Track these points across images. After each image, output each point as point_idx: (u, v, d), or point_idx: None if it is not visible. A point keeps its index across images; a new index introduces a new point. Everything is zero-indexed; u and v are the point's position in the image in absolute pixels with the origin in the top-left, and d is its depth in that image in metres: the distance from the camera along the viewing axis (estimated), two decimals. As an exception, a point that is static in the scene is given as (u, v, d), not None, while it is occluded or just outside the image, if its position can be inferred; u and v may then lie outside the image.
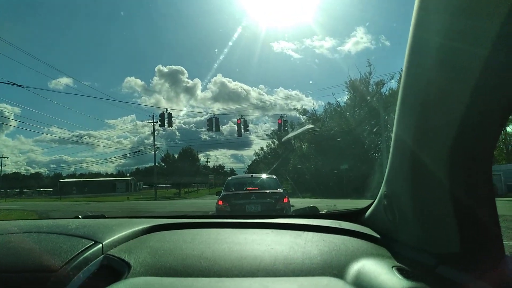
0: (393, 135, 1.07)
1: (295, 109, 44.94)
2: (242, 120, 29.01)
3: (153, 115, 41.93)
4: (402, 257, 1.11)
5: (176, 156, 58.27)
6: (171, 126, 31.58)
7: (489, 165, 0.87)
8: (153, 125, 41.82)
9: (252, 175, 10.10)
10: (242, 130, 29.08)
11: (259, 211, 7.73)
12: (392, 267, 1.01)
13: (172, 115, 30.64)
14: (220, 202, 8.06)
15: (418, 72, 0.87)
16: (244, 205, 7.88)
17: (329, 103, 43.31)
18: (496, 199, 0.91)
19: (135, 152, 50.36)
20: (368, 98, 35.63)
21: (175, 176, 51.85)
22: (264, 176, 9.95)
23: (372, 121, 34.87)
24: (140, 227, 1.47)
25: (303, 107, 44.09)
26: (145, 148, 48.13)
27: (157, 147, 44.53)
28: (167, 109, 30.52)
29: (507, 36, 0.63)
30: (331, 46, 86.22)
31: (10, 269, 1.09)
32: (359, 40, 78.95)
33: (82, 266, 1.09)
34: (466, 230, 0.90)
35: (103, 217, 1.89)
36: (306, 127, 36.97)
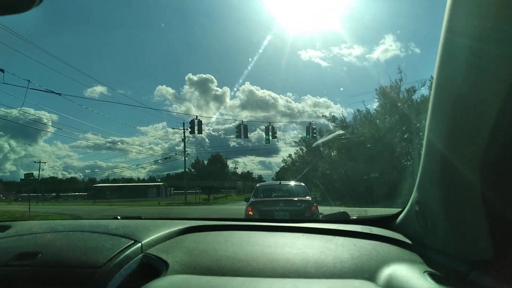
0: (424, 140, 1.06)
1: (324, 116, 44.74)
2: (270, 127, 29.26)
3: (183, 122, 43.23)
4: (434, 263, 1.10)
5: (205, 162, 58.95)
6: (201, 133, 32.60)
7: None
8: (184, 132, 42.92)
9: (280, 182, 10.11)
10: (270, 137, 29.30)
11: (287, 218, 7.47)
12: (424, 272, 1.01)
13: (202, 122, 31.32)
14: (249, 208, 8.08)
15: (449, 77, 0.87)
16: (273, 212, 7.81)
17: (358, 110, 42.54)
18: None
19: (166, 158, 51.90)
20: (399, 104, 34.80)
21: (204, 182, 52.53)
22: (292, 183, 9.95)
23: (403, 128, 33.98)
24: (176, 228, 1.52)
25: (332, 114, 43.88)
26: (175, 154, 49.10)
27: (187, 154, 45.33)
28: (197, 116, 31.33)
29: None
30: (359, 54, 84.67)
31: (58, 265, 1.16)
32: (388, 47, 77.35)
33: (123, 264, 1.16)
34: (500, 236, 0.88)
35: (140, 218, 1.94)
36: (337, 133, 36.45)
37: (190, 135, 39.32)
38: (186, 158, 45.25)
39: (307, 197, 8.60)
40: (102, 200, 55.72)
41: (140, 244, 1.29)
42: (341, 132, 36.34)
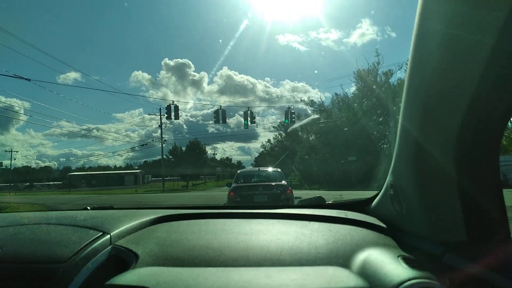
0: (398, 124, 1.06)
1: (302, 100, 44.43)
2: (248, 112, 28.87)
3: (160, 108, 42.15)
4: (408, 246, 1.11)
5: (183, 149, 58.38)
6: (178, 119, 31.68)
7: (496, 153, 0.87)
8: (160, 117, 42.11)
9: (259, 169, 11.35)
10: (249, 122, 29.02)
11: (265, 201, 8.67)
12: (398, 257, 1.01)
13: (179, 107, 30.64)
14: (232, 193, 8.99)
15: (422, 61, 0.87)
16: (252, 195, 8.79)
17: (336, 94, 42.78)
18: (507, 190, 0.83)
19: (143, 145, 50.89)
20: (375, 87, 35.09)
21: (182, 169, 52.24)
22: (270, 169, 10.88)
23: (378, 111, 34.36)
24: (147, 218, 1.47)
25: (310, 98, 43.68)
26: (152, 141, 48.41)
27: (165, 140, 44.71)
28: (173, 102, 30.49)
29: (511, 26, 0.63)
30: (337, 38, 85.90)
31: (20, 260, 1.10)
32: (365, 32, 78.43)
33: (91, 257, 1.11)
34: (472, 219, 0.91)
35: (111, 208, 1.88)
36: (312, 117, 36.68)
37: (167, 121, 38.63)
38: (164, 145, 44.58)
39: (283, 181, 9.47)
40: (78, 189, 54.21)
41: (109, 235, 1.25)
42: (316, 116, 36.58)
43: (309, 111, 42.95)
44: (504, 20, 0.64)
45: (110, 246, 1.19)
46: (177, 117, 30.70)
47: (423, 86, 0.89)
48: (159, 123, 42.78)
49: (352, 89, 42.01)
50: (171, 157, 56.23)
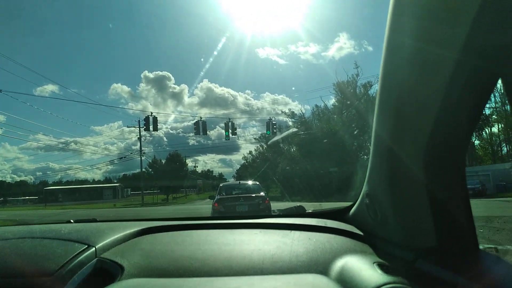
0: (372, 136, 1.09)
1: (283, 112, 44.44)
2: (229, 123, 28.64)
3: (139, 120, 40.85)
4: (384, 253, 1.16)
5: (163, 161, 57.48)
6: (157, 130, 31.16)
7: (462, 163, 0.91)
8: (139, 130, 40.89)
9: (239, 182, 12.93)
10: (230, 133, 28.79)
11: (246, 210, 9.55)
12: (374, 263, 1.04)
13: (158, 119, 30.08)
14: (216, 204, 9.86)
15: (392, 75, 0.91)
16: (235, 206, 9.68)
17: (316, 106, 42.90)
18: (486, 199, 0.87)
19: (121, 158, 49.44)
20: (356, 100, 35.63)
21: (163, 182, 51.05)
22: (249, 182, 12.17)
23: (358, 123, 34.79)
24: (131, 230, 1.47)
25: (291, 110, 43.65)
26: (131, 153, 47.37)
27: (144, 153, 43.83)
28: (152, 113, 29.93)
29: (473, 41, 0.67)
30: (315, 52, 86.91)
31: (5, 275, 1.10)
32: (342, 45, 79.74)
33: (77, 270, 1.11)
34: (442, 226, 0.95)
35: (95, 221, 1.86)
36: (292, 130, 36.98)
37: (147, 134, 38.07)
38: (143, 158, 43.80)
39: (261, 193, 10.51)
40: (55, 203, 52.43)
41: (94, 248, 1.25)
42: (295, 130, 36.80)
43: (290, 123, 43.30)
44: (464, 35, 0.67)
45: (96, 259, 1.20)
46: (155, 128, 30.12)
47: (393, 97, 0.92)
48: (138, 136, 41.83)
49: (331, 101, 42.39)
50: (150, 170, 55.25)
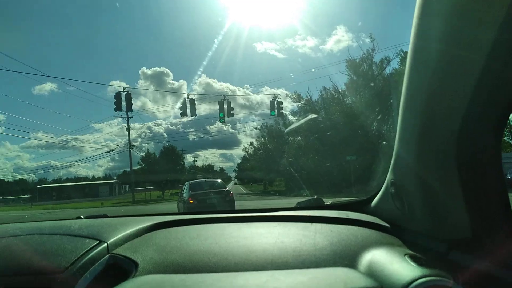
0: (398, 121, 1.04)
1: (288, 96, 39.54)
2: (224, 101, 23.70)
3: (127, 112, 35.87)
4: (414, 245, 1.10)
5: (158, 155, 53.44)
6: (131, 110, 26.80)
7: (497, 149, 0.88)
8: (128, 120, 36.68)
9: (206, 180, 14.89)
10: (226, 115, 23.95)
11: (215, 203, 11.75)
12: (405, 255, 0.99)
13: (131, 95, 25.30)
14: (190, 199, 11.79)
15: (422, 62, 0.87)
16: (206, 199, 11.93)
17: (325, 88, 37.32)
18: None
19: (108, 151, 45.68)
20: (372, 81, 30.94)
21: (157, 177, 47.08)
22: (214, 179, 15.00)
23: (382, 106, 30.04)
24: (144, 225, 1.43)
25: (297, 92, 38.42)
26: (117, 146, 43.31)
27: (133, 145, 39.72)
28: (124, 88, 25.27)
29: (501, 42, 0.66)
30: (313, 45, 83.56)
31: (14, 272, 1.06)
32: (340, 38, 75.40)
33: (88, 266, 1.07)
34: (477, 216, 0.91)
35: (106, 216, 1.86)
36: (310, 116, 32.03)
37: (147, 130, 33.80)
38: (138, 153, 39.65)
39: (226, 188, 13.34)
40: (47, 202, 49.25)
41: (106, 244, 1.21)
42: (313, 115, 32.06)
43: (297, 108, 38.55)
44: (492, 37, 0.66)
45: (108, 255, 1.15)
46: (129, 108, 25.60)
47: (424, 84, 0.88)
48: (127, 128, 37.54)
49: (340, 85, 37.15)
50: (144, 164, 51.26)
